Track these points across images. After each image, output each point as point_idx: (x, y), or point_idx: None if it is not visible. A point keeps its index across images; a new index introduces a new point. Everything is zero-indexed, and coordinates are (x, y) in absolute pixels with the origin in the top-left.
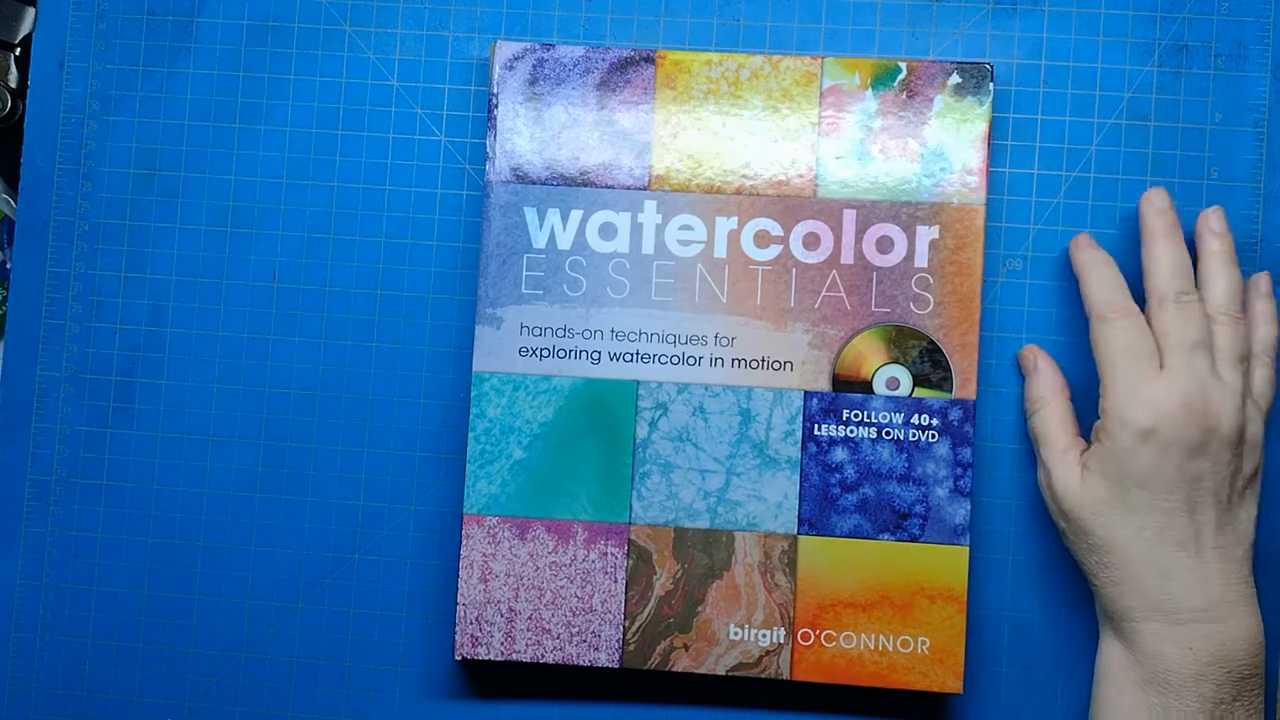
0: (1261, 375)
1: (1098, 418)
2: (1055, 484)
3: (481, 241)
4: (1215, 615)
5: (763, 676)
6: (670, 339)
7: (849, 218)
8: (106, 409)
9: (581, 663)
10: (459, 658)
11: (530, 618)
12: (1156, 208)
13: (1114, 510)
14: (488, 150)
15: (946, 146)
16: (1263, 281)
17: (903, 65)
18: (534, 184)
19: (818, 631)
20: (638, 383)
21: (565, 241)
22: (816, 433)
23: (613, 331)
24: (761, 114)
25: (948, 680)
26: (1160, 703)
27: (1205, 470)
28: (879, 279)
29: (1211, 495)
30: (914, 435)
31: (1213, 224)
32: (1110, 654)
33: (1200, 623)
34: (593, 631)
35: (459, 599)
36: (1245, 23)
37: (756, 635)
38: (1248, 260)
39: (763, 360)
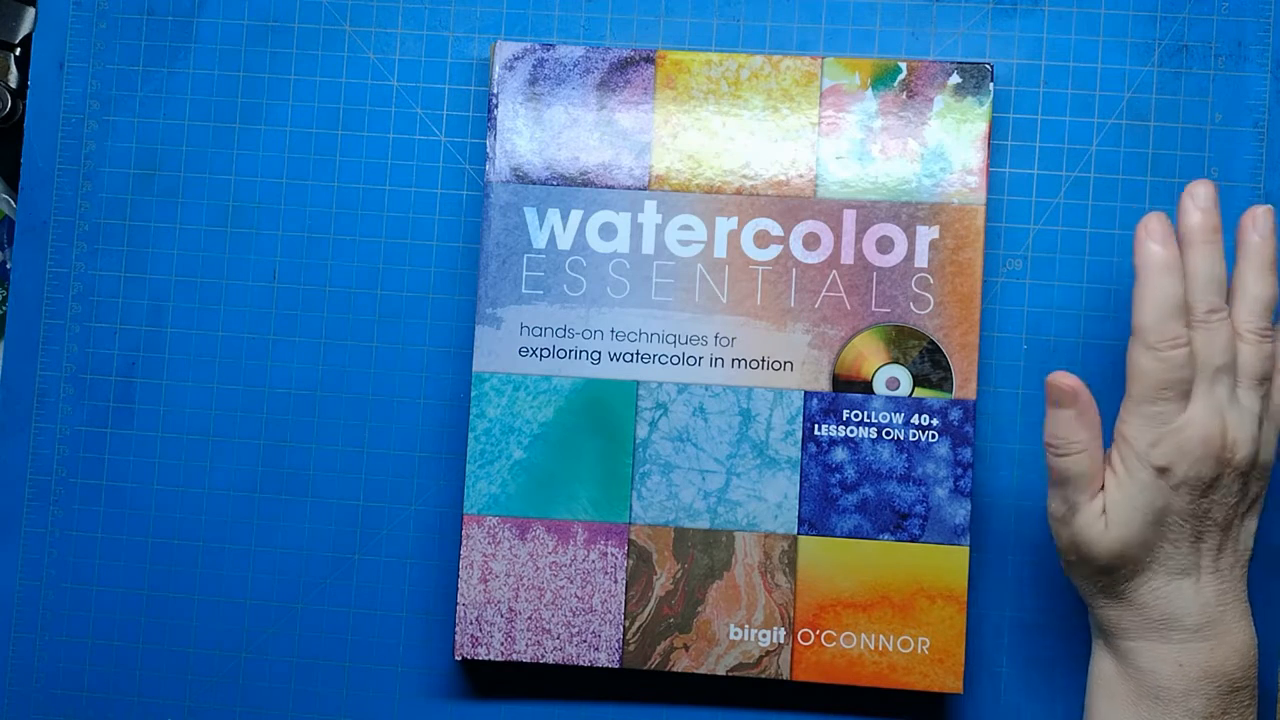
0: None
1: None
2: (1078, 533)
3: (481, 241)
4: (1208, 634)
5: (763, 677)
6: (670, 339)
7: (849, 218)
8: (106, 409)
9: (581, 663)
10: (459, 658)
11: (530, 618)
12: (1200, 205)
13: (1128, 549)
14: (488, 150)
15: (946, 146)
16: None
17: (903, 65)
18: (534, 184)
19: (818, 631)
20: (638, 383)
21: (565, 241)
22: (816, 433)
23: (613, 331)
24: (761, 114)
25: (948, 680)
26: (1151, 716)
27: (1215, 503)
28: (879, 279)
29: (1217, 526)
30: (914, 435)
31: (1260, 224)
32: (1102, 665)
33: (1193, 641)
34: (593, 631)
35: (459, 599)
36: (1245, 23)
37: (756, 635)
38: None
39: (763, 360)
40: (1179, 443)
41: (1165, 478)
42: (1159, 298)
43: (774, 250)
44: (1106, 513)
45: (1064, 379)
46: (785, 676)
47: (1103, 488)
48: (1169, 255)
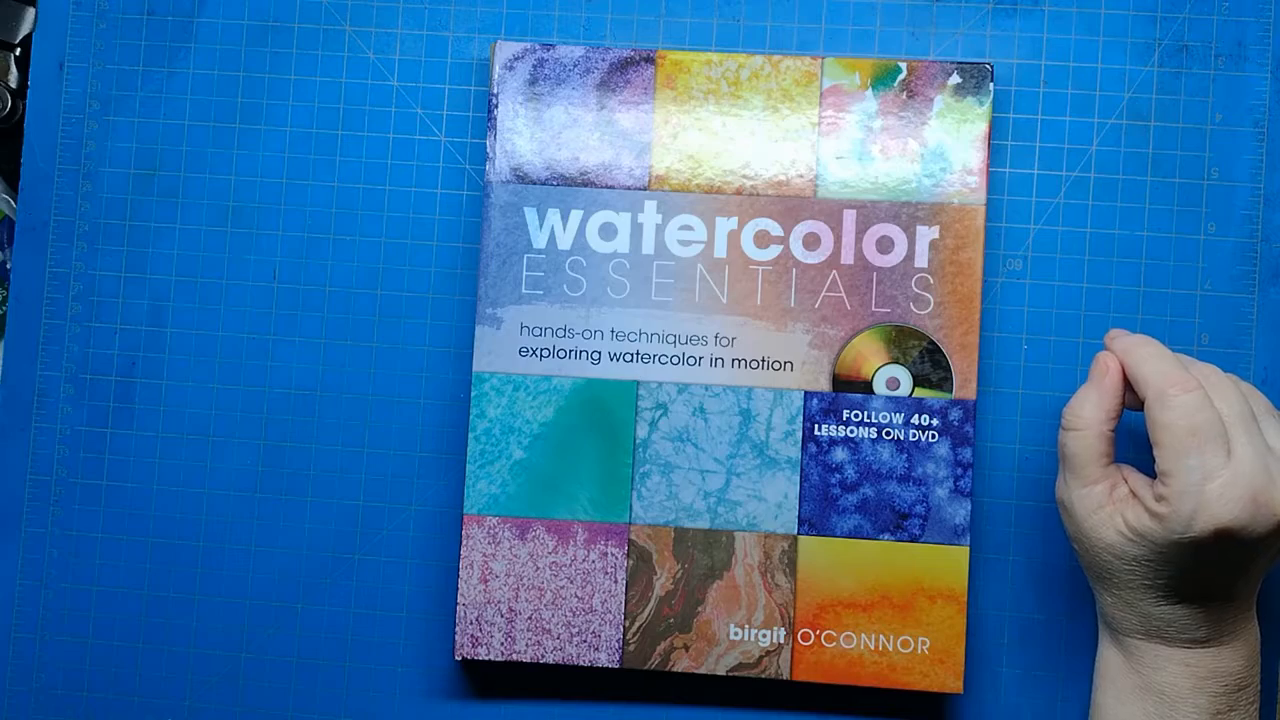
0: None
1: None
2: (1082, 522)
3: (481, 241)
4: (1216, 642)
5: (763, 677)
6: (670, 339)
7: (849, 218)
8: (106, 409)
9: (581, 663)
10: (459, 658)
11: (530, 618)
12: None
13: (1143, 568)
14: (488, 150)
15: (946, 146)
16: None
17: (903, 65)
18: (534, 184)
19: (818, 632)
20: (638, 383)
21: (565, 241)
22: (817, 433)
23: (613, 331)
24: (761, 114)
25: (948, 680)
26: (1157, 712)
27: (1258, 555)
28: (879, 279)
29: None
30: (914, 435)
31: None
32: (1109, 658)
33: (1200, 647)
34: (593, 631)
35: (459, 599)
36: (1245, 23)
37: (756, 635)
38: (1248, 260)
39: (763, 360)
40: (1226, 503)
41: (1213, 538)
42: (1150, 356)
43: (774, 250)
44: (1128, 524)
45: (1104, 355)
46: (785, 676)
47: (1099, 481)
48: (1140, 335)
